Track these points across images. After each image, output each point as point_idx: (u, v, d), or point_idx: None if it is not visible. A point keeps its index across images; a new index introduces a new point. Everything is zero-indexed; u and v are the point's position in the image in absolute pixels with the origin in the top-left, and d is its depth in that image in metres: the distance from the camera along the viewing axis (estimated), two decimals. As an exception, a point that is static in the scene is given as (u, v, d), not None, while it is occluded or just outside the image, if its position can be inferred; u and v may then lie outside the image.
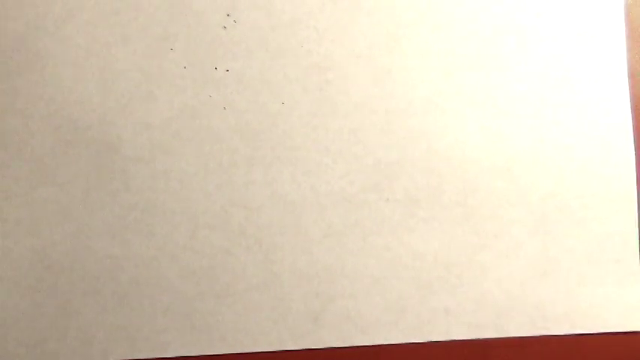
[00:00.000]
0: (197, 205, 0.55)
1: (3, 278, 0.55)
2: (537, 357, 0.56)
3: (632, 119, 0.57)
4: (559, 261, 0.57)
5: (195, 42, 0.56)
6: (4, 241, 0.55)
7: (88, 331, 0.55)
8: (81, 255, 0.55)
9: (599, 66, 0.57)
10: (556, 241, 0.57)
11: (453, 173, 0.57)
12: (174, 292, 0.55)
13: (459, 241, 0.56)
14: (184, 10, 0.56)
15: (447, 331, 0.56)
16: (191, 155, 0.56)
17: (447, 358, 0.56)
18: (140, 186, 0.55)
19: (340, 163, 0.56)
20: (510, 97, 0.57)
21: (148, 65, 0.56)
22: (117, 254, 0.55)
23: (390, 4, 0.57)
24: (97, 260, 0.55)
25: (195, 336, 0.55)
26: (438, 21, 0.57)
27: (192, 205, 0.55)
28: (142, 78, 0.55)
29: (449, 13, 0.57)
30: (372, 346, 0.56)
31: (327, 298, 0.56)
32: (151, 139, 0.56)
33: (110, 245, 0.55)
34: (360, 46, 0.57)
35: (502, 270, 0.56)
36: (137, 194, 0.55)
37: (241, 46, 0.56)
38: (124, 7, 0.56)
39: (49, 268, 0.55)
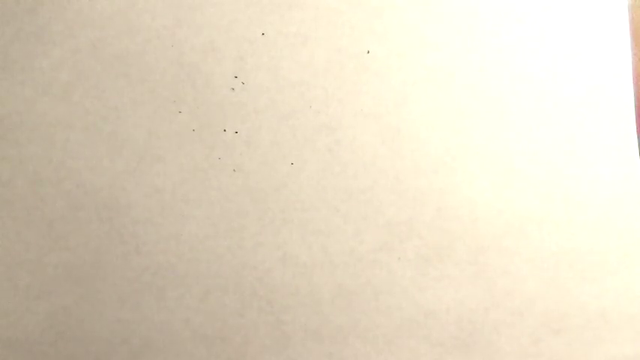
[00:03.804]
0: (208, 267, 0.55)
1: (15, 343, 0.55)
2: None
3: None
4: (572, 318, 0.56)
5: (203, 104, 0.56)
6: (16, 306, 0.55)
7: (101, 396, 0.55)
8: (92, 319, 0.55)
9: (609, 120, 0.57)
10: (569, 298, 0.57)
11: (464, 231, 0.57)
12: (186, 356, 0.55)
13: (471, 300, 0.56)
14: (192, 72, 0.56)
15: (460, 387, 0.56)
16: (201, 218, 0.55)
17: (461, 415, 0.56)
18: (151, 249, 0.55)
19: (350, 223, 0.56)
20: (520, 155, 0.57)
21: (157, 128, 0.56)
22: (128, 318, 0.55)
23: (397, 63, 0.57)
24: (109, 324, 0.55)
25: (209, 399, 0.55)
26: (445, 80, 0.57)
27: (203, 268, 0.55)
28: (151, 141, 0.55)
29: (456, 72, 0.57)
30: (386, 403, 0.56)
31: (339, 358, 0.56)
32: (161, 202, 0.55)
33: (121, 309, 0.55)
34: (369, 105, 0.56)
35: (515, 327, 0.56)
36: (148, 258, 0.55)
37: (250, 108, 0.56)
38: (131, 71, 0.56)
39: (61, 334, 0.55)
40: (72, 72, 0.56)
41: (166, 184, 0.56)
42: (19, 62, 0.56)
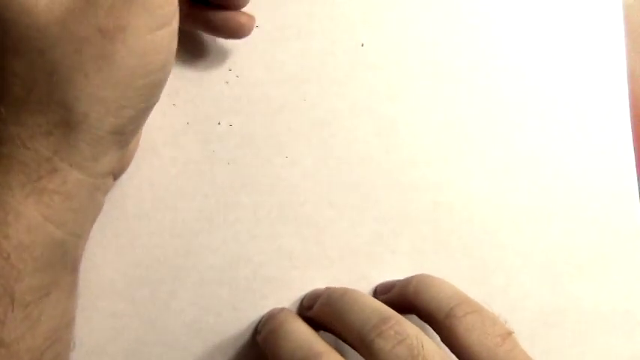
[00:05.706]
0: (202, 261, 0.55)
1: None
2: (546, 408, 0.56)
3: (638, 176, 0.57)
4: (567, 312, 0.56)
5: (197, 97, 0.56)
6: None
7: (94, 390, 0.55)
8: (86, 313, 0.55)
9: (603, 116, 0.57)
10: (564, 292, 0.57)
11: (459, 225, 0.56)
12: (180, 350, 0.55)
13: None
14: (186, 65, 0.55)
15: (454, 381, 0.56)
16: (195, 211, 0.55)
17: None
18: (145, 243, 0.55)
19: (345, 216, 0.56)
20: (516, 148, 0.57)
21: (151, 121, 0.55)
22: (122, 311, 0.55)
23: (392, 56, 0.57)
24: (102, 318, 0.55)
25: (202, 393, 0.55)
26: (440, 73, 0.57)
27: (197, 262, 0.55)
28: (145, 134, 0.55)
29: (451, 65, 0.57)
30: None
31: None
32: (155, 195, 0.55)
33: (115, 303, 0.55)
34: (363, 99, 0.56)
35: (509, 322, 0.56)
36: (142, 251, 0.55)
37: (244, 101, 0.56)
38: (125, 64, 0.55)
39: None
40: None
41: (160, 177, 0.55)
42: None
